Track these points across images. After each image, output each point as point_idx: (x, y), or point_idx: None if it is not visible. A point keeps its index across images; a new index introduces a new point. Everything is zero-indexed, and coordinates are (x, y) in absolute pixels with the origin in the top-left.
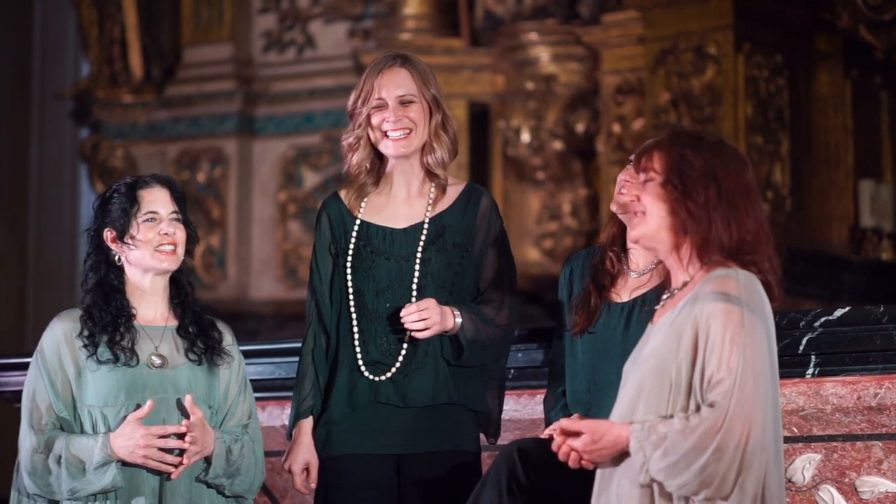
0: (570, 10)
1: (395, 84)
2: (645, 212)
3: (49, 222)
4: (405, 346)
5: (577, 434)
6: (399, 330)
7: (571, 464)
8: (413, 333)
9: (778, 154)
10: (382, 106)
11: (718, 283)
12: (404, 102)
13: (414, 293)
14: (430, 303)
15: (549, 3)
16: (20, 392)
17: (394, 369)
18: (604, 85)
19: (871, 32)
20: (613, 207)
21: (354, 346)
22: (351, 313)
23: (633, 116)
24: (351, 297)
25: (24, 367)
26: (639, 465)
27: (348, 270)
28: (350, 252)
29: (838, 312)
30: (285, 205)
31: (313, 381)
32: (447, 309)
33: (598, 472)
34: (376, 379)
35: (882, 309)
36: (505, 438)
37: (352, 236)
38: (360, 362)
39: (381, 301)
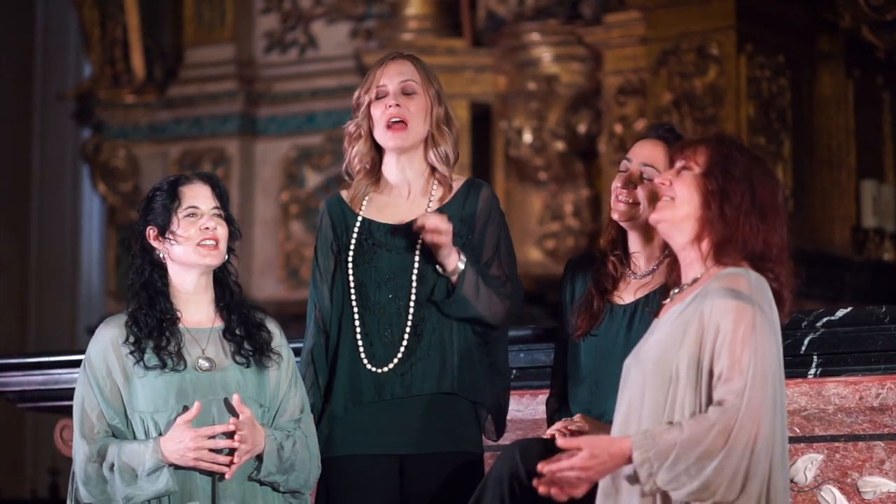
0: (572, 10)
1: (398, 72)
2: (674, 197)
3: (51, 223)
4: (406, 336)
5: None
6: (401, 319)
7: (573, 483)
8: (425, 236)
9: (780, 155)
10: (384, 95)
11: (729, 281)
12: (406, 91)
13: (415, 283)
14: (445, 218)
15: (551, 4)
16: (22, 392)
17: (395, 360)
18: (606, 85)
19: (873, 33)
20: (614, 215)
21: (356, 339)
22: (353, 307)
23: (636, 117)
24: (353, 289)
25: (26, 367)
26: (644, 477)
27: (350, 264)
28: (352, 247)
29: (840, 313)
30: (287, 205)
31: (313, 381)
32: (455, 249)
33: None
34: (378, 370)
35: (884, 309)
36: (507, 439)
37: (353, 232)
38: (363, 354)
39: (383, 292)
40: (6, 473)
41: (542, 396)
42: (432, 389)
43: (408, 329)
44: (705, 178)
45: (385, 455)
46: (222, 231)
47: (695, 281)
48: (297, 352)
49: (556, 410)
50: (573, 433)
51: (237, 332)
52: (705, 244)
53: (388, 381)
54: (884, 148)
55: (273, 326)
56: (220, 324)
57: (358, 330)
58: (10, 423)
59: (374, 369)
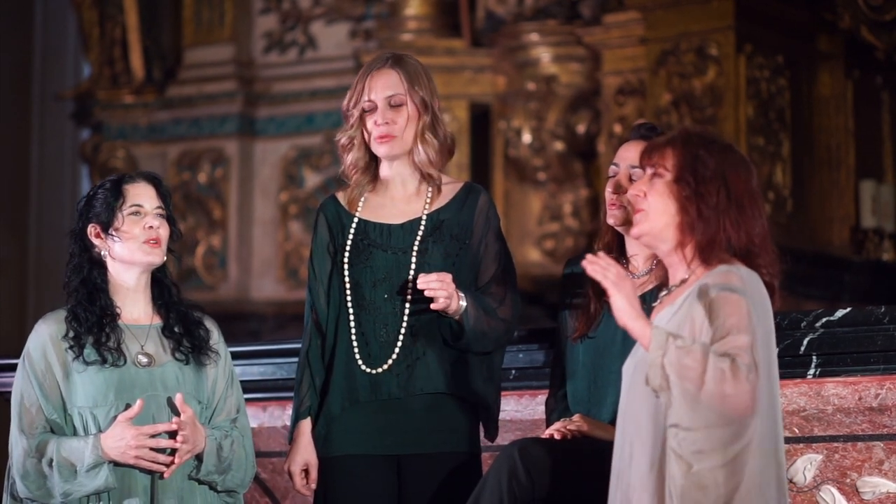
0: (571, 10)
1: (384, 85)
2: (647, 210)
3: (50, 224)
4: (402, 336)
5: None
6: (397, 318)
7: (604, 274)
8: (430, 294)
9: (779, 155)
10: (373, 108)
11: (722, 278)
12: (393, 105)
13: (411, 284)
14: (447, 276)
15: (550, 4)
16: None
17: (390, 361)
18: (605, 86)
19: (872, 33)
20: (610, 221)
21: (352, 340)
22: (348, 307)
23: (635, 117)
24: (348, 290)
25: None
26: (658, 344)
27: (345, 264)
28: (348, 248)
29: (840, 313)
30: (286, 205)
31: (309, 382)
32: (455, 290)
33: (613, 469)
34: (373, 371)
35: (883, 309)
36: (506, 439)
37: (349, 232)
38: (357, 355)
39: (379, 292)
40: (5, 473)
41: (542, 396)
42: (429, 389)
43: (403, 329)
44: (677, 184)
45: (382, 455)
46: (164, 232)
47: (682, 282)
48: (297, 352)
49: (555, 410)
50: (572, 433)
51: (176, 329)
52: (689, 248)
53: (384, 382)
54: (883, 148)
55: (210, 325)
56: (158, 321)
57: (353, 330)
58: (9, 423)
59: (368, 370)
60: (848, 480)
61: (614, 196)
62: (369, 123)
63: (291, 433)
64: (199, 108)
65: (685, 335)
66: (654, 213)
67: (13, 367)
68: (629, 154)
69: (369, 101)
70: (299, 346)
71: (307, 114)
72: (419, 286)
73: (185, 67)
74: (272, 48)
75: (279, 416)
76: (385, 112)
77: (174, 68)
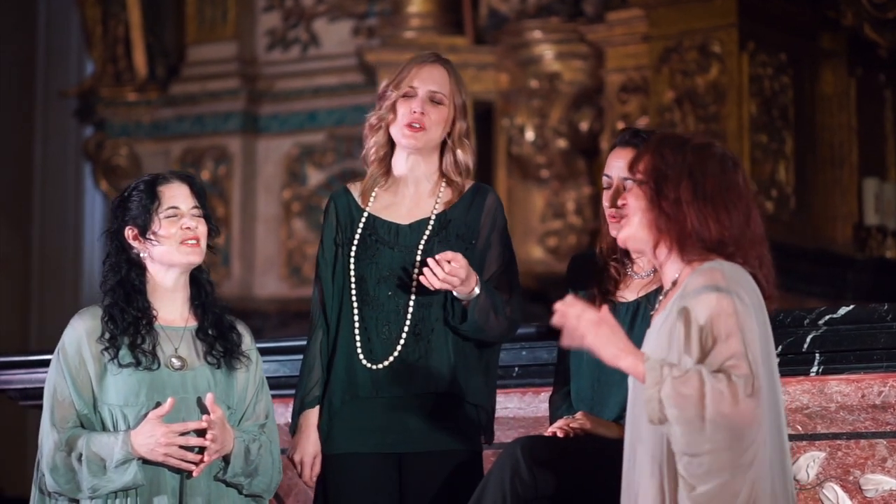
0: (574, 8)
1: (431, 79)
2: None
3: (53, 221)
4: (405, 335)
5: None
6: (400, 317)
7: (573, 326)
8: (426, 279)
9: (782, 152)
10: (412, 95)
11: (706, 277)
12: (434, 101)
13: (415, 283)
14: (464, 262)
15: (553, 1)
16: (24, 390)
17: (392, 358)
18: (608, 83)
19: (875, 31)
20: (613, 233)
21: (354, 334)
22: (353, 301)
23: (638, 115)
24: (353, 284)
25: (28, 365)
26: (653, 379)
27: (351, 259)
28: (355, 242)
29: (843, 311)
30: (289, 203)
31: (320, 373)
32: (474, 276)
33: (623, 472)
34: (374, 367)
35: (886, 307)
36: (509, 436)
37: (358, 226)
38: (359, 350)
39: (383, 289)
40: (8, 472)
41: (545, 394)
42: (430, 389)
43: (406, 328)
44: (641, 187)
45: (384, 454)
46: (202, 229)
47: (673, 284)
48: (299, 349)
49: (559, 408)
50: (575, 430)
51: (210, 332)
52: (663, 247)
53: (385, 379)
54: (886, 146)
55: (243, 329)
56: (193, 323)
57: (356, 325)
58: (12, 420)
59: (369, 365)
60: (851, 478)
61: (612, 209)
62: (401, 109)
63: (296, 422)
64: (202, 105)
65: (674, 349)
66: (631, 215)
67: (16, 365)
68: (619, 163)
69: (412, 87)
70: (303, 343)
71: (310, 111)
72: (430, 265)
73: (188, 65)
74: (275, 46)
75: (282, 413)
76: (424, 103)
77: (177, 66)
